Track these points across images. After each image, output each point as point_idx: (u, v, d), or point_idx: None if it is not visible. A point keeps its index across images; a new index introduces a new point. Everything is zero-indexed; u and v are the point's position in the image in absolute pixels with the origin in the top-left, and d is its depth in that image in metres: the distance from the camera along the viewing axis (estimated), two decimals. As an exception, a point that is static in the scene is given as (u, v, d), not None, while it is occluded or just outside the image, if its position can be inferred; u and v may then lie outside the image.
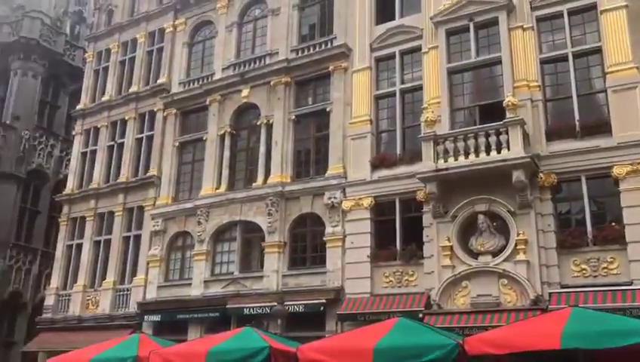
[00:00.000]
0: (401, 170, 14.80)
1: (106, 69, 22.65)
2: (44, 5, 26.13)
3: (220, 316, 16.29)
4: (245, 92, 18.38)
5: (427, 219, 14.00)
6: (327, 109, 16.70)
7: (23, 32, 25.10)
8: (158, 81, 20.64)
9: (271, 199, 16.53)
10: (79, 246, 20.64)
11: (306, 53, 17.58)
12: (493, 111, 13.62)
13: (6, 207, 23.24)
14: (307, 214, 16.22)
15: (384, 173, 15.08)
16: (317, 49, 17.37)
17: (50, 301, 20.52)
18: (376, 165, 15.28)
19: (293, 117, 17.37)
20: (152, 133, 20.42)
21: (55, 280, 20.75)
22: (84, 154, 22.07)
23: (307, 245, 16.14)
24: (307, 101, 17.64)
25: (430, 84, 14.97)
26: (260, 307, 15.40)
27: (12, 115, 24.52)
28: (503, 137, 12.91)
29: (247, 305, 15.79)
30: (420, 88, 15.36)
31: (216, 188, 18.06)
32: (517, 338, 7.34)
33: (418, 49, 15.65)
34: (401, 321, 8.46)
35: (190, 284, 17.50)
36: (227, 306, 16.20)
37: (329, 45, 17.17)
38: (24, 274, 23.49)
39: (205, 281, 17.21)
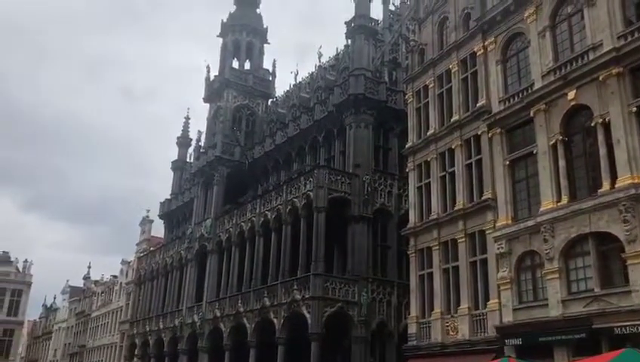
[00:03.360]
0: None
1: (426, 105, 23.81)
2: (364, 62, 28.94)
3: (586, 337, 15.10)
4: (571, 94, 17.13)
5: None
6: (677, 91, 14.42)
7: (351, 90, 28.14)
8: (478, 105, 20.79)
9: (624, 204, 14.84)
10: (430, 276, 21.64)
11: (636, 35, 15.59)
12: None
13: (361, 245, 25.92)
14: (674, 215, 14.07)
15: None
16: (650, 27, 15.28)
17: (412, 329, 21.88)
18: None
19: (634, 109, 15.45)
20: (479, 156, 20.54)
21: (414, 309, 22.09)
22: (419, 188, 23.34)
23: (681, 250, 13.93)
24: (648, 88, 15.54)
25: None
26: (634, 326, 13.76)
27: (353, 163, 27.49)
28: None
29: (617, 324, 14.28)
30: None
31: (557, 201, 17.06)
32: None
33: None
34: None
35: (547, 305, 16.68)
36: (593, 326, 14.93)
37: (665, 19, 14.95)
38: (386, 305, 25.66)
39: (563, 301, 16.20)
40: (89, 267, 71.00)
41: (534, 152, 18.19)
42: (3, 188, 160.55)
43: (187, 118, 48.62)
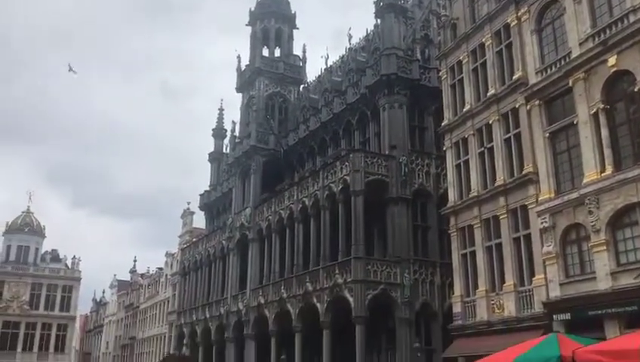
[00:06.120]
0: None
1: (460, 80, 23.37)
2: (395, 41, 28.52)
3: (638, 309, 14.69)
4: (612, 60, 16.54)
5: None
6: None
7: (383, 70, 27.81)
8: (514, 77, 20.29)
9: (673, 170, 14.31)
10: (472, 254, 21.37)
11: (679, -6, 14.93)
12: None
13: (401, 227, 25.74)
14: None
15: None
16: (694, -16, 14.59)
17: (457, 308, 21.69)
18: None
19: (680, 71, 14.84)
20: (518, 130, 20.09)
21: (457, 289, 21.88)
22: (457, 166, 23.00)
23: None
24: (694, 48, 14.87)
25: None
26: (689, 295, 13.31)
27: (389, 145, 27.23)
28: None
29: (670, 295, 13.84)
30: None
31: (602, 172, 16.56)
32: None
33: None
34: None
35: (595, 278, 16.27)
36: (645, 298, 14.51)
37: None
38: (429, 286, 25.49)
39: (612, 273, 15.77)
40: (135, 261, 73.09)
41: (575, 122, 17.69)
42: (52, 188, 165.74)
43: (221, 109, 48.99)
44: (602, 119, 16.80)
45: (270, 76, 38.38)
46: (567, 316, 16.75)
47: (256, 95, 37.94)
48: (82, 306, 77.88)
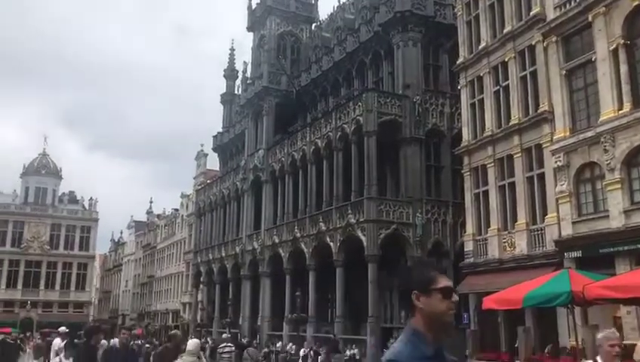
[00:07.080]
0: None
1: (476, 17, 22.79)
2: (409, -24, 27.71)
3: (650, 247, 14.80)
4: (635, -7, 16.03)
5: None
6: None
7: (397, 7, 27.14)
8: (532, 13, 19.76)
9: (692, 107, 14.06)
10: (485, 193, 21.42)
11: None
12: None
13: (414, 167, 25.77)
14: None
15: None
16: None
17: (468, 246, 21.95)
18: None
19: None
20: (534, 67, 19.72)
21: (470, 227, 22.07)
22: (472, 105, 22.74)
23: None
24: None
25: None
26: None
27: (402, 84, 26.90)
28: None
29: (683, 232, 13.88)
30: None
31: (619, 109, 16.32)
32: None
33: None
34: None
35: (608, 216, 16.33)
36: (658, 235, 14.57)
37: None
38: (441, 225, 25.74)
39: (625, 211, 15.80)
40: (151, 202, 74.07)
41: (593, 59, 17.31)
42: (68, 131, 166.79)
43: (232, 50, 48.40)
44: (622, 55, 16.42)
45: (281, 14, 37.64)
46: (579, 253, 16.92)
47: (268, 34, 37.33)
48: (100, 246, 79.73)
